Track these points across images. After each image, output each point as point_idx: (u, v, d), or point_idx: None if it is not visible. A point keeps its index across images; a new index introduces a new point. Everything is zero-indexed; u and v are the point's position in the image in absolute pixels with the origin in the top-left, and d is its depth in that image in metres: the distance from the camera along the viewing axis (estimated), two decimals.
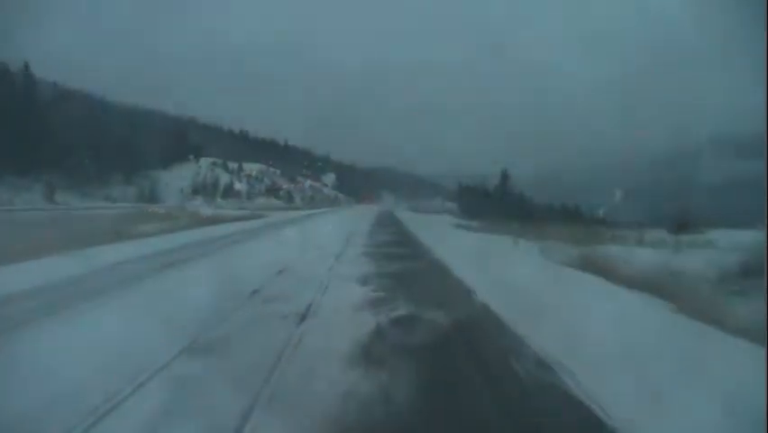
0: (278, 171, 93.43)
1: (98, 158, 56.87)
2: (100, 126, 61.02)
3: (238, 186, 72.38)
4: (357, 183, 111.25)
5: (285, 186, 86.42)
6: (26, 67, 48.27)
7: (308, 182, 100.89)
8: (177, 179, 64.23)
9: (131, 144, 61.71)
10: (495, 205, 63.29)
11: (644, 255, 11.23)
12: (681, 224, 21.74)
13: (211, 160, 79.88)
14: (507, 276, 7.97)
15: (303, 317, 5.12)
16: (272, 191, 78.97)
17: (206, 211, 31.05)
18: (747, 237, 9.93)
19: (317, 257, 10.26)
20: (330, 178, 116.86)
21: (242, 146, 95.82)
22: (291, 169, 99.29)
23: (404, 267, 8.97)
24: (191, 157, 76.61)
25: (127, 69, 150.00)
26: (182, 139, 76.95)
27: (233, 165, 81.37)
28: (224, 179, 71.66)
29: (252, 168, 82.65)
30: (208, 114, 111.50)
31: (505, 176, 70.13)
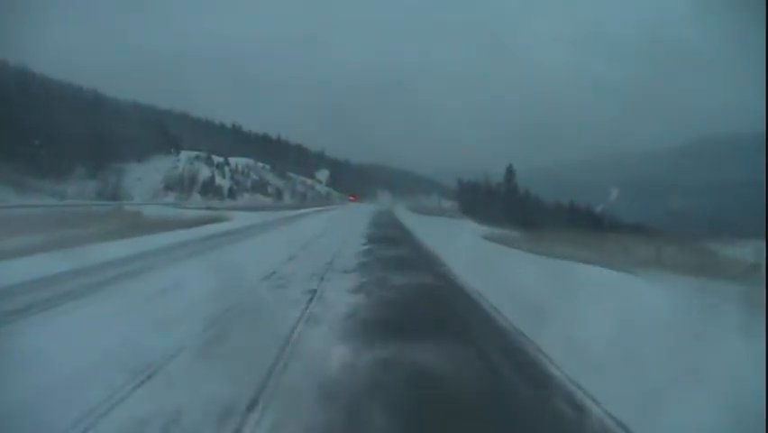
0: (268, 167, 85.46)
1: (59, 148, 48.92)
2: (66, 114, 53.01)
3: (220, 181, 64.20)
4: (351, 180, 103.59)
5: (273, 182, 78.38)
6: None
7: (300, 178, 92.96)
8: (152, 172, 56.16)
9: (100, 135, 53.50)
10: (500, 204, 56.08)
11: None
12: None
13: (194, 153, 71.79)
14: None
15: None
16: (259, 188, 70.84)
17: (152, 212, 23.39)
18: None
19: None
20: (324, 174, 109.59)
21: (234, 140, 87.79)
22: (283, 164, 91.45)
23: None
24: (172, 150, 68.58)
25: (119, 64, 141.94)
26: (162, 130, 68.69)
27: (218, 159, 73.33)
28: (205, 173, 63.49)
29: (239, 162, 74.43)
30: (203, 109, 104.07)
31: (510, 172, 62.95)
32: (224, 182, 64.58)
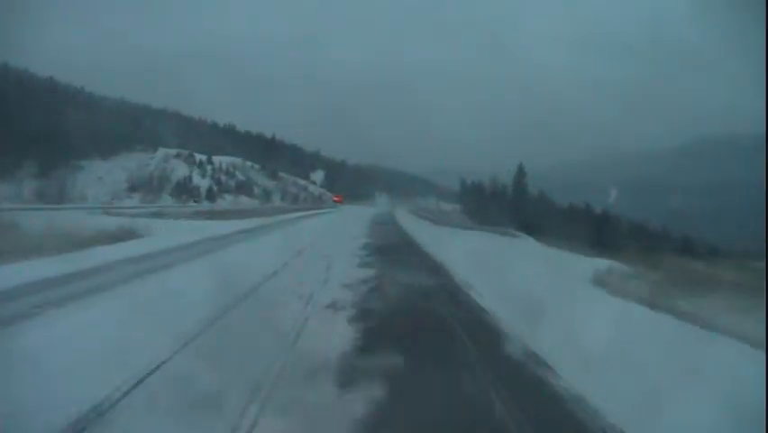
0: (257, 166, 77.25)
1: (3, 143, 40.62)
2: (20, 107, 44.62)
3: (198, 181, 55.97)
4: (347, 181, 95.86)
5: (262, 182, 70.17)
6: None
7: (292, 179, 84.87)
8: (116, 171, 47.92)
9: (59, 130, 45.10)
10: (509, 206, 48.58)
11: None
12: None
13: (174, 151, 63.53)
14: None
15: None
16: (244, 188, 62.67)
17: (46, 221, 15.43)
18: None
19: None
20: (319, 175, 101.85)
21: (227, 140, 79.60)
22: (277, 164, 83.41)
23: None
24: (148, 147, 60.25)
25: (118, 63, 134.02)
26: (138, 126, 60.29)
27: (201, 157, 65.10)
28: (182, 172, 55.25)
29: (223, 161, 66.13)
30: (201, 108, 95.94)
31: (521, 171, 55.57)
32: (202, 182, 56.33)
